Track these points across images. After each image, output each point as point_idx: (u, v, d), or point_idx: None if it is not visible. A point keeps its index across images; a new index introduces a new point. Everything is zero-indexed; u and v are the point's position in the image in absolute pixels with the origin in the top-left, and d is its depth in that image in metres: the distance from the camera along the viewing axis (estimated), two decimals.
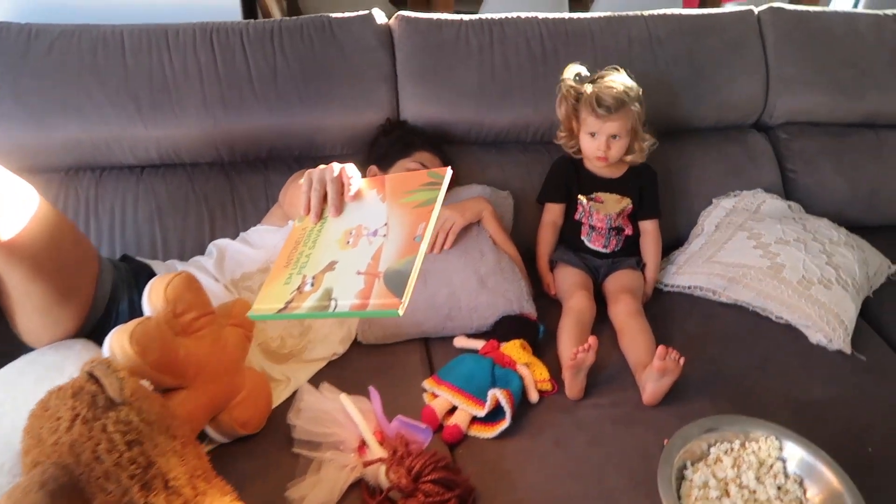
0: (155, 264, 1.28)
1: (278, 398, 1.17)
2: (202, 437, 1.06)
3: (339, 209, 0.92)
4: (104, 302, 1.11)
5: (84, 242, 1.10)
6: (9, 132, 1.38)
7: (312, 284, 0.83)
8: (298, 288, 0.84)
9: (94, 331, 1.07)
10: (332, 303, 0.79)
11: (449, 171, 0.88)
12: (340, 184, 0.92)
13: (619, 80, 1.39)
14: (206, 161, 1.52)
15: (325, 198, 0.93)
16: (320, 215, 0.93)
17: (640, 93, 1.40)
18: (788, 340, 1.35)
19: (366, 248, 0.84)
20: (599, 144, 1.39)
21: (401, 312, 0.74)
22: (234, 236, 1.43)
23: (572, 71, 1.41)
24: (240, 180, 1.51)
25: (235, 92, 1.45)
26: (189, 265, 1.31)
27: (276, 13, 1.94)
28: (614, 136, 1.38)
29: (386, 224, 0.86)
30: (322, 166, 0.95)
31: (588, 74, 1.41)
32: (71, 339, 1.04)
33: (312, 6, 2.95)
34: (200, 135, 1.45)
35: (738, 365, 1.28)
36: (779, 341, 1.35)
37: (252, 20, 1.51)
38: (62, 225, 1.01)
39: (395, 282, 0.77)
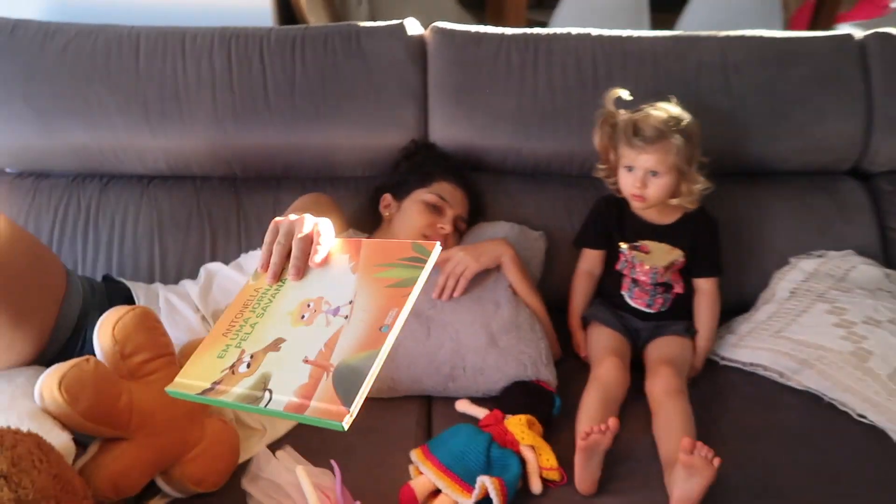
0: (136, 287, 1.18)
1: (249, 451, 1.03)
2: (154, 489, 0.94)
3: (301, 273, 0.78)
4: (70, 326, 1.02)
5: (47, 260, 1.02)
6: (17, 133, 1.34)
7: (249, 365, 0.70)
8: (232, 366, 0.70)
9: (58, 356, 0.98)
10: (266, 395, 0.66)
11: (437, 249, 0.73)
12: (308, 243, 0.78)
13: (665, 108, 1.18)
14: (218, 175, 1.42)
15: (288, 255, 0.79)
16: (279, 276, 0.79)
17: (692, 126, 1.18)
18: (870, 447, 1.09)
19: (321, 329, 0.70)
20: (635, 180, 1.18)
21: (345, 426, 0.60)
22: (234, 258, 1.31)
23: (614, 95, 1.21)
24: (248, 198, 1.40)
25: (248, 103, 1.34)
26: (173, 290, 1.20)
27: (317, 20, 1.82)
28: (653, 173, 1.17)
29: (351, 302, 0.72)
30: (293, 216, 0.81)
31: (631, 99, 1.21)
32: (19, 368, 0.96)
33: (386, 13, 2.87)
34: (208, 148, 1.35)
35: (800, 473, 1.04)
36: (857, 446, 1.09)
37: (275, 27, 1.39)
38: (17, 240, 0.94)
39: (347, 383, 0.63)
